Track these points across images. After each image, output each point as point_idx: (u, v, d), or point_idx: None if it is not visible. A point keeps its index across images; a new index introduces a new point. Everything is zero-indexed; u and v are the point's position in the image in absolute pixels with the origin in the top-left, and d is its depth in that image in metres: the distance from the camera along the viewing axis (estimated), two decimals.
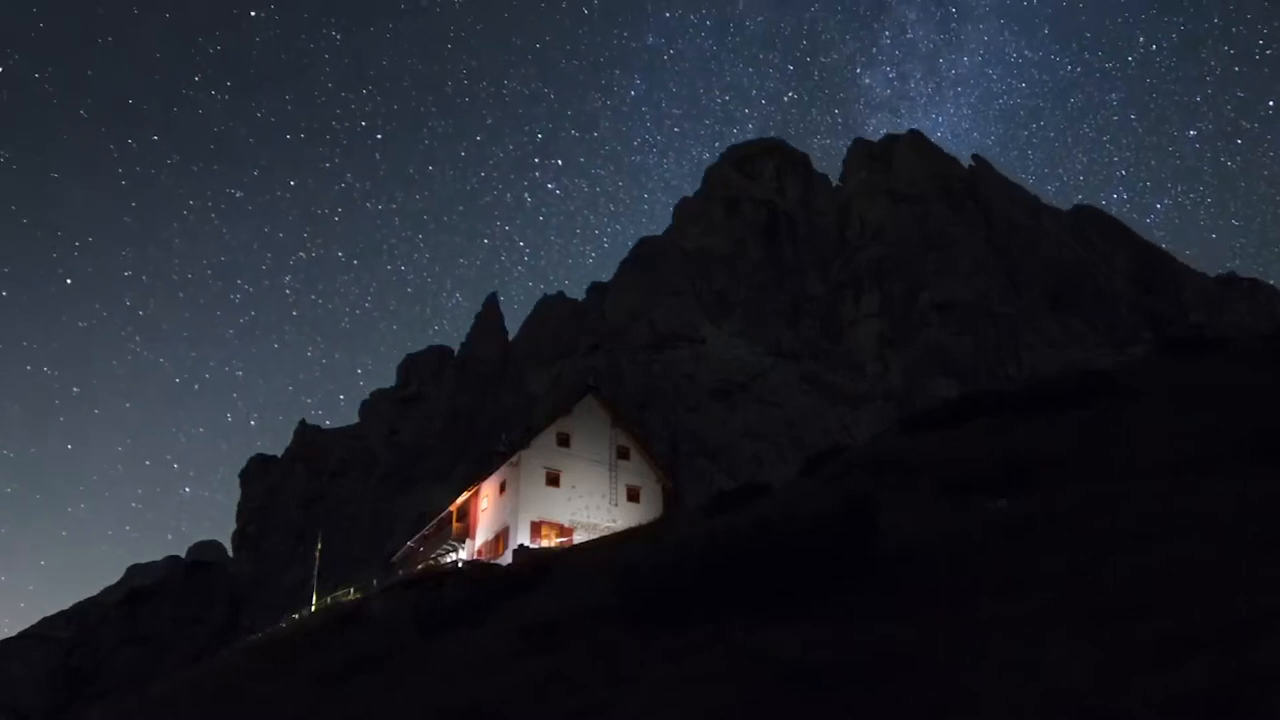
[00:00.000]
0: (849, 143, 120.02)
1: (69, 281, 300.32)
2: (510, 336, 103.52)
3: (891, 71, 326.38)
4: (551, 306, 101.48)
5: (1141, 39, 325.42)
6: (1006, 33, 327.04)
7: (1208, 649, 7.44)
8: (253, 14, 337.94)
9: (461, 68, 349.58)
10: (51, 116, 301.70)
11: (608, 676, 12.30)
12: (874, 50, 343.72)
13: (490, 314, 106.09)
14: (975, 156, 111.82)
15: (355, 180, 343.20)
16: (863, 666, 9.42)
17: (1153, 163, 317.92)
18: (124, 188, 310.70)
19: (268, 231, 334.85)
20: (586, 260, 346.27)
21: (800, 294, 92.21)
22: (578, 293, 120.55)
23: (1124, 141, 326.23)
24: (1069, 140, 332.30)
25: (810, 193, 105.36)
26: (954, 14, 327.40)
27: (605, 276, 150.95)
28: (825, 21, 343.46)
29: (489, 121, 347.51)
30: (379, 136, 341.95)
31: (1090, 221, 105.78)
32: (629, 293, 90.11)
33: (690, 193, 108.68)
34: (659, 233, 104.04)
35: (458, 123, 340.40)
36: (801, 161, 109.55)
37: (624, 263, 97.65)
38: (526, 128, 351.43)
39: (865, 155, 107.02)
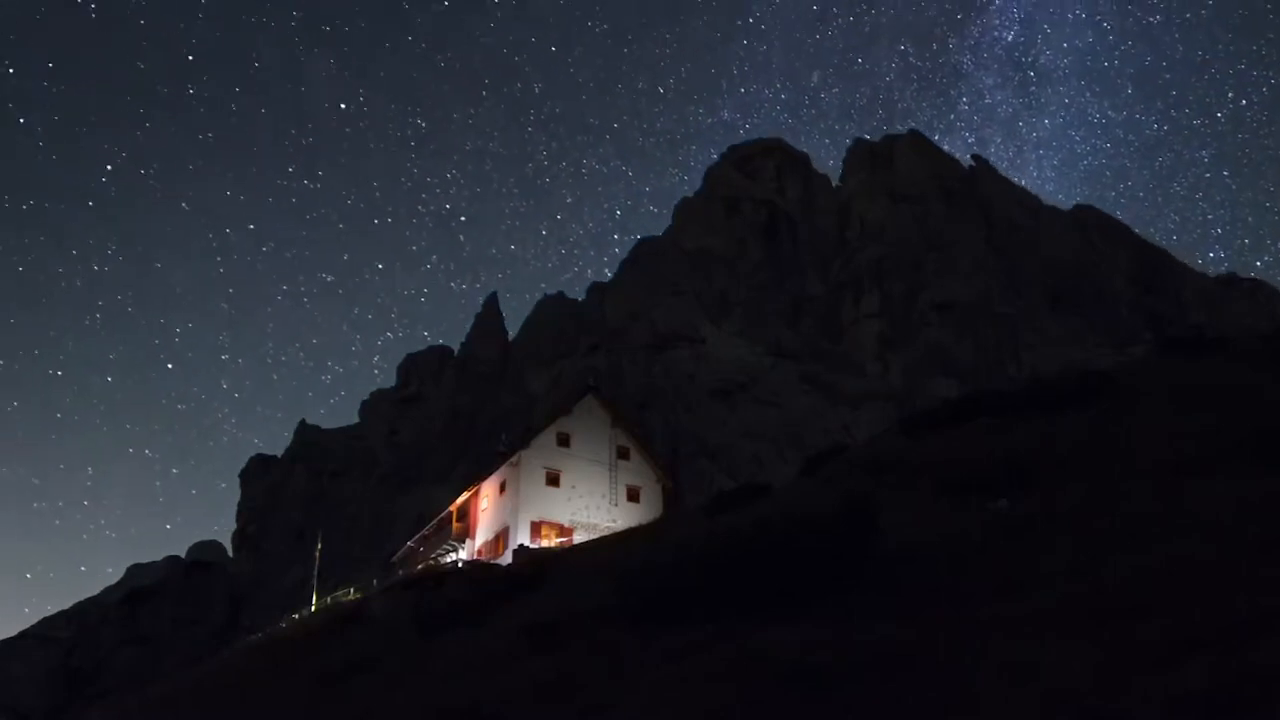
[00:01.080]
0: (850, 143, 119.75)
1: (169, 366, 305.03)
2: (510, 336, 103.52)
3: (971, 137, 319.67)
4: (551, 306, 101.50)
5: (1231, 94, 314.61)
6: (1088, 94, 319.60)
7: (1208, 649, 7.44)
8: (342, 106, 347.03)
9: (541, 149, 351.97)
10: (155, 210, 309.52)
11: (608, 676, 12.31)
12: (951, 117, 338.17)
13: (490, 314, 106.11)
14: (975, 156, 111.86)
15: (440, 262, 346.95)
16: (863, 666, 9.42)
17: (1250, 219, 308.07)
18: (221, 275, 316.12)
19: (357, 314, 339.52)
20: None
21: (800, 294, 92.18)
22: (578, 293, 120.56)
23: (1218, 199, 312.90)
24: (1159, 200, 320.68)
25: (810, 193, 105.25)
26: (1033, 77, 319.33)
27: (605, 277, 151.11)
28: (901, 91, 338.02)
29: (569, 200, 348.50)
30: (462, 219, 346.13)
31: (1091, 221, 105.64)
32: (629, 293, 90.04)
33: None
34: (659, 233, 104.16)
35: (538, 202, 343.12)
36: (801, 161, 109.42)
37: (624, 263, 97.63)
38: (605, 205, 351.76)
39: (865, 155, 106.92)
